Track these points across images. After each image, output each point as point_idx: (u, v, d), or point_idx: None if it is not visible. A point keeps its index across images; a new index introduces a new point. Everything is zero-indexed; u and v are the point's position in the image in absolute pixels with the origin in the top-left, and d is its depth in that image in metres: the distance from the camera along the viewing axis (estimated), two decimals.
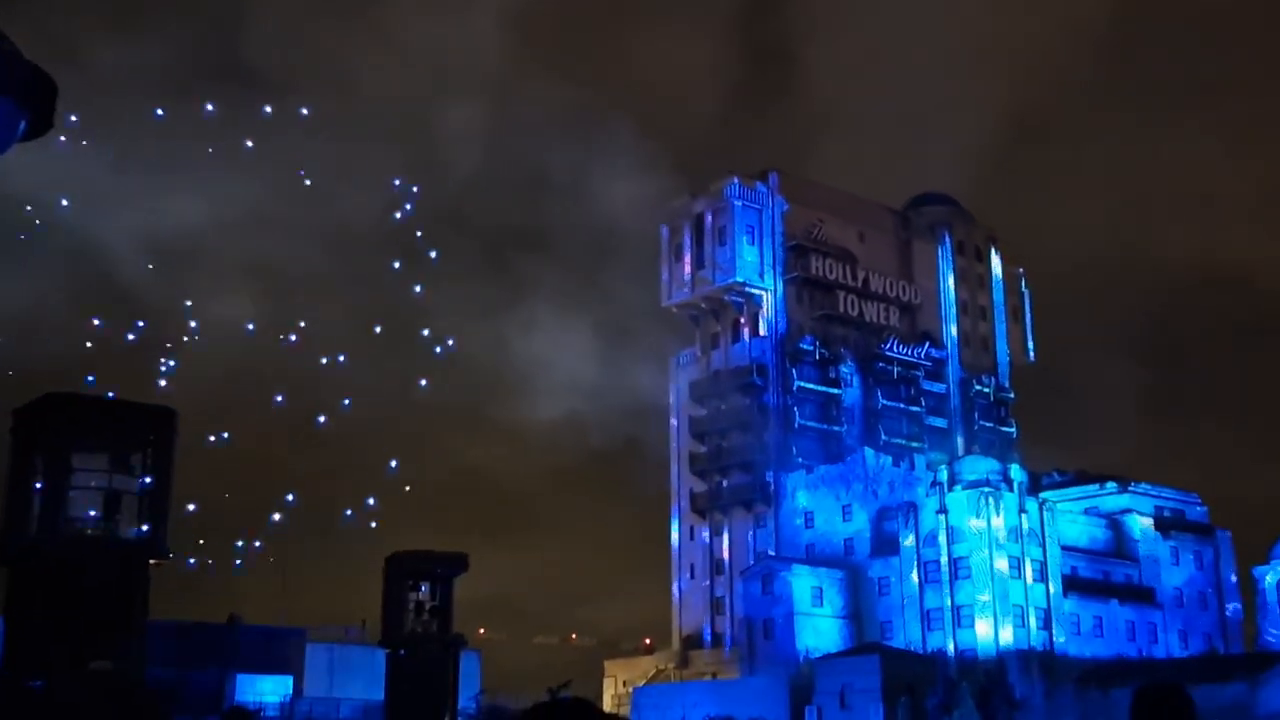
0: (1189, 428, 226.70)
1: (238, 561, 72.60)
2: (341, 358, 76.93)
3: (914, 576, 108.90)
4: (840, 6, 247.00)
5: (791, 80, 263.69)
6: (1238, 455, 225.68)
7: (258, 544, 73.25)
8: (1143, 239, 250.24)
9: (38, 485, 30.31)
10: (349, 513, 73.33)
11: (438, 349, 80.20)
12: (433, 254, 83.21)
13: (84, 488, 31.43)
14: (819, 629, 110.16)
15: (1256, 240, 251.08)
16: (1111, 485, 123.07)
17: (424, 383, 78.98)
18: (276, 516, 71.83)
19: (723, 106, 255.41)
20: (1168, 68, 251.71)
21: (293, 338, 76.64)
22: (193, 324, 75.44)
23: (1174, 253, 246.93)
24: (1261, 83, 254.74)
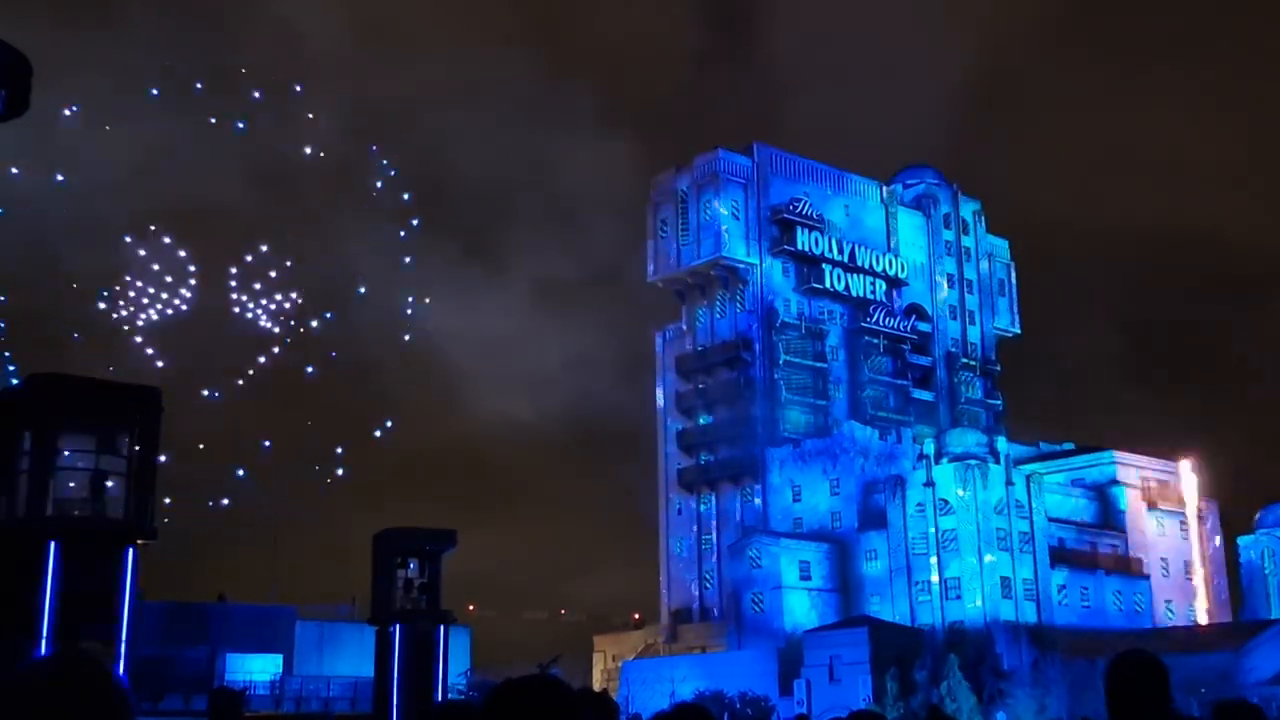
0: (1173, 395, 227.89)
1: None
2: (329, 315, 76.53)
3: (901, 550, 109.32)
4: None
5: (755, 45, 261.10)
6: (1221, 423, 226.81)
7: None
8: (1114, 202, 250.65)
9: (24, 467, 30.32)
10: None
11: (407, 336, 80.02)
12: (415, 221, 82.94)
13: (71, 469, 31.44)
14: (806, 602, 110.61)
15: (1224, 199, 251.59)
16: (1097, 456, 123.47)
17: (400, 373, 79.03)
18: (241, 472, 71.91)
19: (687, 74, 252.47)
20: (1134, 28, 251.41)
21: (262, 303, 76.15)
22: (141, 285, 74.90)
23: (1145, 215, 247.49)
24: (1228, 41, 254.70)
